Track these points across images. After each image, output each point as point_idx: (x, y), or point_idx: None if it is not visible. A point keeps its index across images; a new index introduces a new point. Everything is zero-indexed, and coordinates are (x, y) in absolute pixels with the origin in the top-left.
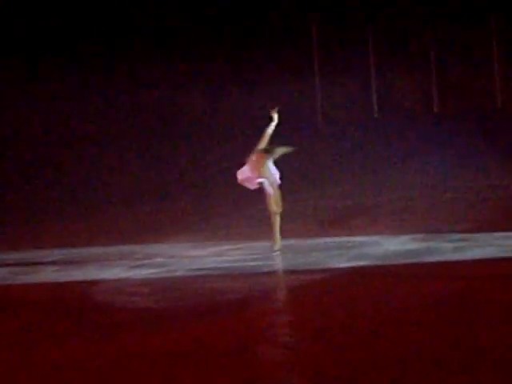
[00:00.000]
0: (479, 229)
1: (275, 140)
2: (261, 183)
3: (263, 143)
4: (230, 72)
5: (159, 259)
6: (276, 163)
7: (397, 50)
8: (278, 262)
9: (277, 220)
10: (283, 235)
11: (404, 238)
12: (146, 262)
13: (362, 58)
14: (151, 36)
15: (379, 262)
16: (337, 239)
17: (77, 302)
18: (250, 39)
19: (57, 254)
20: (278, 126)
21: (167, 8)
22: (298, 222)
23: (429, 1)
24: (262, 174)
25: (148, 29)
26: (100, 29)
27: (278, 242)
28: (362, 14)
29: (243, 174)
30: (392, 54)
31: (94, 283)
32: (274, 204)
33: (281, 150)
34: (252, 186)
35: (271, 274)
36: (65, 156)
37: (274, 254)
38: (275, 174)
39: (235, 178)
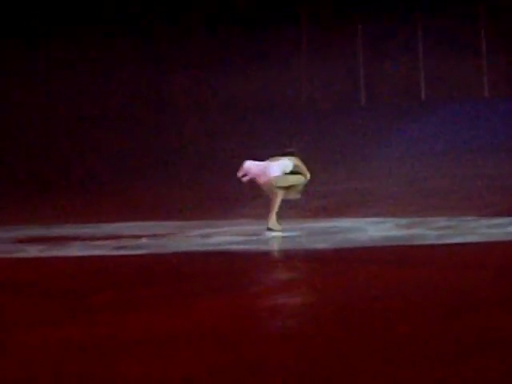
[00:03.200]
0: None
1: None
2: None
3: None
4: (217, 59)
5: (144, 240)
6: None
7: (385, 37)
8: (260, 246)
9: (277, 201)
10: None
11: (388, 224)
12: (132, 242)
13: (350, 44)
14: (137, 20)
15: (361, 247)
16: (322, 225)
17: (61, 282)
18: (238, 27)
19: (42, 231)
20: (265, 114)
21: None
22: (283, 207)
23: None
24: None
25: (127, 14)
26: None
27: (274, 223)
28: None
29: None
30: (381, 41)
31: (77, 262)
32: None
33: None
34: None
35: (252, 255)
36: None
37: (266, 233)
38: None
39: (222, 164)
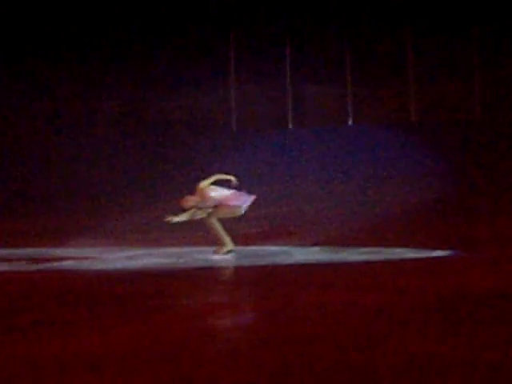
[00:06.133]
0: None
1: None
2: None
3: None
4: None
5: (69, 261)
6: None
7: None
8: (186, 268)
9: (216, 224)
10: (201, 244)
11: (314, 248)
12: (54, 264)
13: (280, 64)
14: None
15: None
16: (249, 248)
17: None
18: (170, 44)
19: None
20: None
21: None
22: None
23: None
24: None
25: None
26: None
27: (229, 244)
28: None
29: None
30: (308, 64)
31: None
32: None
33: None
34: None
35: (178, 277)
36: None
37: (222, 253)
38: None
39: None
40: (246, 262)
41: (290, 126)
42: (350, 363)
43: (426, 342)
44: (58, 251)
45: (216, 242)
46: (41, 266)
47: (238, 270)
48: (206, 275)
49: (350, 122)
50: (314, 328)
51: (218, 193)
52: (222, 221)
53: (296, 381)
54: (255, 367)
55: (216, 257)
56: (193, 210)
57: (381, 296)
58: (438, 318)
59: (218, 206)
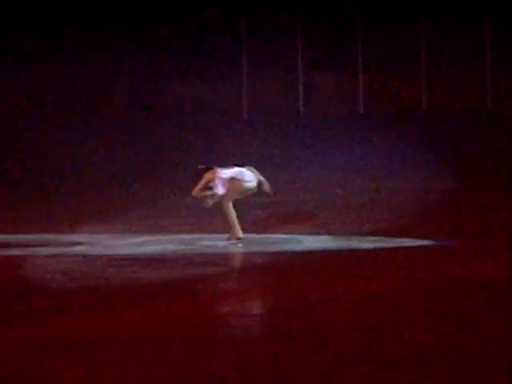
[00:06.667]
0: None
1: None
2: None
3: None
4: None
5: (80, 247)
6: None
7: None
8: (197, 255)
9: (231, 209)
10: (210, 231)
11: (324, 237)
12: (65, 249)
13: (290, 52)
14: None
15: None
16: (258, 236)
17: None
18: (181, 31)
19: None
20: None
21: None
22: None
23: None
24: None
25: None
26: None
27: (239, 232)
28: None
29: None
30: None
31: (12, 269)
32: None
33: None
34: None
35: (189, 264)
36: None
37: (232, 243)
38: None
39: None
40: (254, 249)
41: (301, 113)
42: (356, 347)
43: (417, 329)
44: (70, 237)
45: (228, 230)
46: (53, 251)
47: (247, 257)
48: (215, 262)
49: (362, 111)
50: (319, 314)
51: (228, 171)
52: (237, 208)
53: (304, 366)
54: (264, 354)
55: (226, 243)
56: (210, 191)
57: (383, 284)
58: (437, 306)
59: (231, 182)
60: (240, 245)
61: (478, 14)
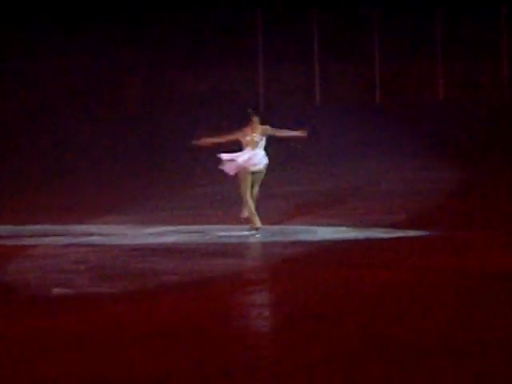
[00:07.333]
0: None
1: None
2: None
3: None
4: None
5: (96, 237)
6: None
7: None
8: (213, 245)
9: (248, 200)
10: (226, 222)
11: (341, 228)
12: (82, 239)
13: (308, 42)
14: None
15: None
16: (272, 227)
17: (10, 277)
18: (196, 23)
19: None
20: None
21: None
22: (235, 207)
23: None
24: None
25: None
26: None
27: (257, 222)
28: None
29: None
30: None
31: (27, 259)
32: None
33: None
34: (230, 171)
35: (206, 255)
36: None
37: (251, 234)
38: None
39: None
40: (271, 240)
41: (318, 103)
42: (369, 338)
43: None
44: (87, 227)
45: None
46: (70, 241)
47: (263, 248)
48: (231, 252)
49: (377, 100)
50: (331, 305)
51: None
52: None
53: (316, 355)
54: (277, 344)
55: (245, 234)
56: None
57: (393, 274)
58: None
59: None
60: (258, 235)
61: (494, 4)
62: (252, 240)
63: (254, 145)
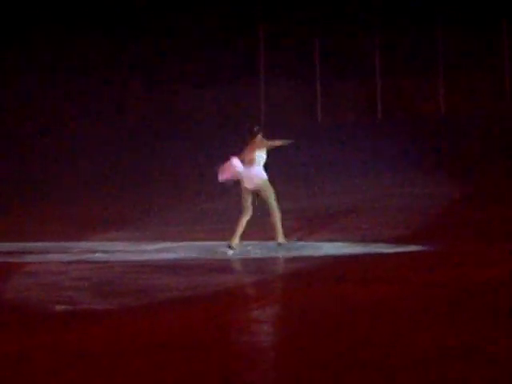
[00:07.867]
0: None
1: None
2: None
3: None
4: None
5: (99, 254)
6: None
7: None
8: (218, 261)
9: (277, 216)
10: (228, 238)
11: (343, 243)
12: (84, 256)
13: (309, 59)
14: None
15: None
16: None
17: (12, 294)
18: (198, 38)
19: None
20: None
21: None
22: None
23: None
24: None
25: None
26: None
27: (280, 235)
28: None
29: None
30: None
31: (30, 276)
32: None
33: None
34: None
35: (210, 271)
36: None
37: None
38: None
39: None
40: (273, 255)
41: (319, 119)
42: (365, 357)
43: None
44: (88, 244)
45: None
46: (73, 258)
47: (265, 263)
48: (233, 268)
49: (379, 116)
50: (332, 320)
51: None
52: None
53: (317, 370)
54: (278, 358)
55: (245, 249)
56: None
57: (392, 288)
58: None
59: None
60: (231, 252)
61: (495, 17)
62: (253, 256)
63: (253, 162)
